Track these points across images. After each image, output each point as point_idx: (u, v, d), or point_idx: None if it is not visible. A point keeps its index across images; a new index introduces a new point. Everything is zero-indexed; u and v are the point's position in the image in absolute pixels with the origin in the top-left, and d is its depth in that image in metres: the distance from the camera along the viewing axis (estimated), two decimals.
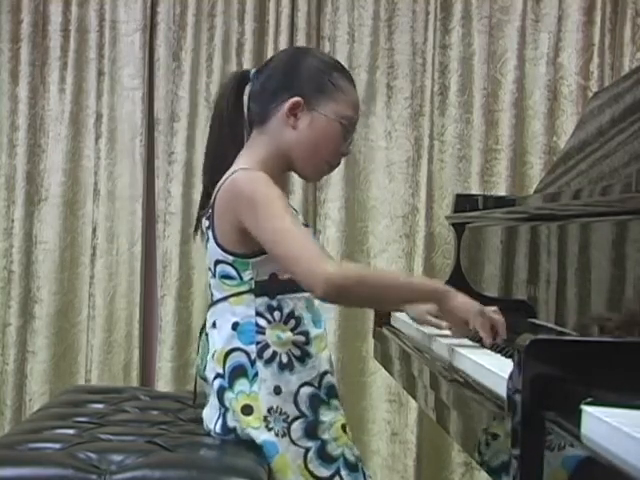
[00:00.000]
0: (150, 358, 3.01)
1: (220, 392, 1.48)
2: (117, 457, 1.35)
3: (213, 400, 1.50)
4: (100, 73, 2.97)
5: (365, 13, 2.90)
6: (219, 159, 1.55)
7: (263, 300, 1.47)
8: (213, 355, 1.49)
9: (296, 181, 2.85)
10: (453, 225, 2.07)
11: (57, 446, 1.40)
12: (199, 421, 1.55)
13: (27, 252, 2.99)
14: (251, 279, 1.46)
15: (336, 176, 2.87)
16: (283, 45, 2.84)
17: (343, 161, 2.86)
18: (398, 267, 2.86)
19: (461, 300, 1.45)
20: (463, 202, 2.07)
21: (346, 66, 2.79)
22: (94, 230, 2.96)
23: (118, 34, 2.98)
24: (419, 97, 2.88)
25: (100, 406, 1.72)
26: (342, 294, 1.38)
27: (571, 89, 2.83)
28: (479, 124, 2.83)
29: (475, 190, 2.79)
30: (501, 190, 2.79)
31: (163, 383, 2.90)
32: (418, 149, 2.87)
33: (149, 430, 1.53)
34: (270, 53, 2.82)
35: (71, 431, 1.50)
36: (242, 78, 1.57)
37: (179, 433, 1.52)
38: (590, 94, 2.64)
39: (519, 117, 2.85)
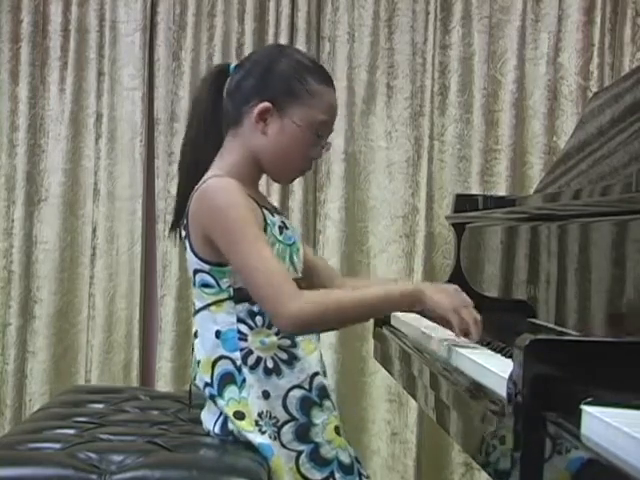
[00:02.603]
0: (150, 358, 3.01)
1: (212, 400, 1.48)
2: (117, 457, 1.35)
3: (210, 403, 1.50)
4: (100, 73, 2.97)
5: (365, 13, 2.90)
6: (194, 162, 1.52)
7: (243, 306, 1.46)
8: (199, 364, 1.49)
9: (296, 181, 2.83)
10: (453, 225, 2.07)
11: (57, 446, 1.40)
12: (199, 421, 1.55)
13: (27, 252, 2.99)
14: (229, 286, 1.45)
15: (336, 176, 2.88)
16: None
17: (343, 161, 2.93)
18: (398, 267, 2.86)
19: (436, 298, 1.43)
20: (463, 202, 2.07)
21: (346, 66, 2.87)
22: (94, 230, 2.96)
23: (118, 34, 2.98)
24: (419, 97, 2.87)
25: (100, 406, 1.72)
26: (306, 330, 1.45)
27: (571, 89, 2.83)
28: (479, 124, 2.83)
29: (475, 190, 2.79)
30: (501, 190, 2.79)
31: (163, 383, 2.90)
32: (418, 149, 2.87)
33: (149, 430, 1.53)
34: None
35: (71, 431, 1.50)
36: (221, 72, 1.54)
37: (179, 433, 1.52)
38: (590, 94, 2.63)
39: (519, 117, 2.84)
